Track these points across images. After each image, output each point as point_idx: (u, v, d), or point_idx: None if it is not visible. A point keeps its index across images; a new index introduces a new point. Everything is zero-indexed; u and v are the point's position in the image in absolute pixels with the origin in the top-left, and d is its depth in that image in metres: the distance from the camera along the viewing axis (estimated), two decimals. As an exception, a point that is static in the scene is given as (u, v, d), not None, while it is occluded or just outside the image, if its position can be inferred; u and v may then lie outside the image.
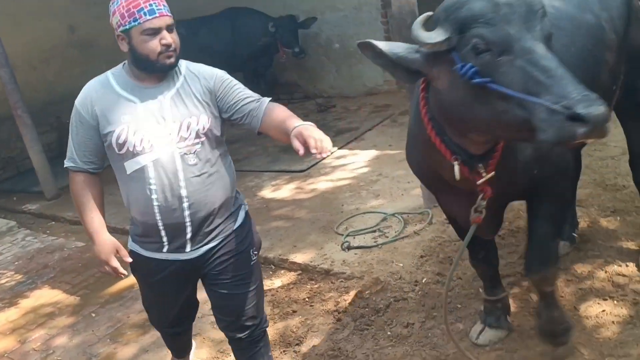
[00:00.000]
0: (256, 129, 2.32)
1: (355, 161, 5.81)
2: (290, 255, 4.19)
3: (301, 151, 2.02)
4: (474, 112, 1.78)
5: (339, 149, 6.21)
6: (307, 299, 3.67)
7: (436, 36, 1.76)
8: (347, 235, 4.24)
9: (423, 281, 3.54)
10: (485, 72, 1.68)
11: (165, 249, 2.39)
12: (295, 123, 2.14)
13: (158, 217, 2.30)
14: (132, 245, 2.50)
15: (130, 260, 2.45)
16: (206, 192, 2.31)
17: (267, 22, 7.56)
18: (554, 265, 2.50)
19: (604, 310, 2.92)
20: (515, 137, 1.90)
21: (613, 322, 2.84)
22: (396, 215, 4.41)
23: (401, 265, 3.76)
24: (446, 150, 2.02)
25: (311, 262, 4.04)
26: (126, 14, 2.15)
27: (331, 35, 8.15)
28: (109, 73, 2.34)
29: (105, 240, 2.38)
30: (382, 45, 1.88)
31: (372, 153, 5.92)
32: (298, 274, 4.01)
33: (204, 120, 2.29)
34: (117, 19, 2.19)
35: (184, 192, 2.27)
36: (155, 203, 2.28)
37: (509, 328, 2.93)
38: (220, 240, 2.43)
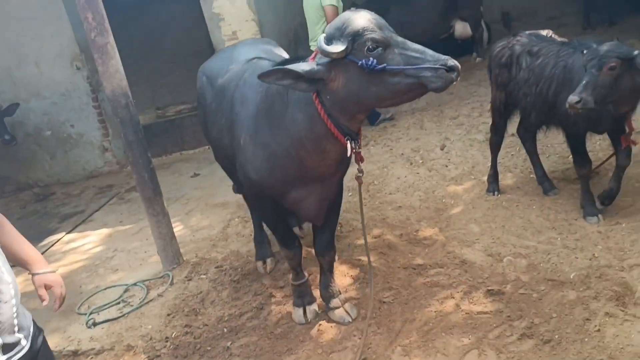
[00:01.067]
0: None
1: (87, 242, 5.77)
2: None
3: (45, 302, 2.31)
4: (368, 93, 2.61)
5: (67, 233, 6.08)
6: (58, 383, 3.60)
7: (338, 47, 2.55)
8: (91, 313, 4.26)
9: (173, 335, 3.79)
10: (379, 62, 2.52)
11: None
12: (35, 268, 2.29)
13: None
14: None
15: None
16: None
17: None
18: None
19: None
20: (403, 100, 2.73)
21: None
22: (137, 284, 4.58)
23: (150, 327, 3.96)
24: (339, 134, 2.77)
25: (56, 347, 3.94)
26: None
27: (40, 123, 7.92)
28: None
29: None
30: (290, 67, 2.62)
31: (104, 232, 5.96)
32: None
33: None
34: None
35: None
36: None
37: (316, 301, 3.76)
38: None
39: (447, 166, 5.60)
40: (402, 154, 6.11)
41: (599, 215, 4.02)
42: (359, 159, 2.94)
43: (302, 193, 3.23)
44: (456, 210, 4.71)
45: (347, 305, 3.67)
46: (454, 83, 2.54)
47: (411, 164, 5.83)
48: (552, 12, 10.50)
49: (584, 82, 3.41)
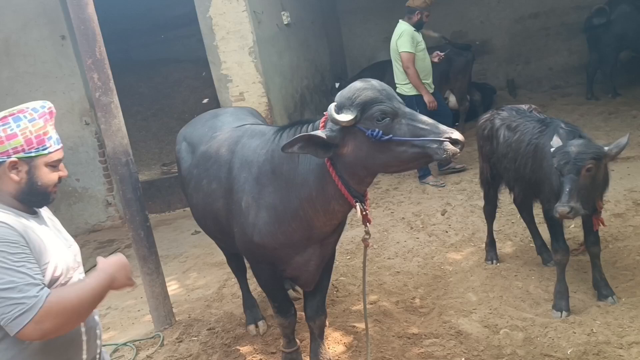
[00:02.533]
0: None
1: (81, 298, 5.70)
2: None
3: None
4: (375, 160, 2.70)
5: (63, 288, 6.02)
6: None
7: (348, 116, 2.64)
8: (78, 373, 4.16)
9: (158, 400, 3.69)
10: (386, 132, 2.62)
11: None
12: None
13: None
14: None
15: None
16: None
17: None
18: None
19: None
20: (409, 167, 2.94)
21: None
22: (127, 344, 4.49)
23: (136, 390, 3.86)
24: (349, 196, 2.81)
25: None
26: (34, 140, 2.02)
27: (47, 176, 8.01)
28: None
29: (109, 261, 2.10)
30: (313, 134, 2.70)
31: (100, 288, 5.89)
32: None
33: None
34: (18, 142, 1.99)
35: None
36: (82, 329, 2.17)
37: None
38: None
39: (447, 232, 5.55)
40: (403, 217, 6.08)
41: (564, 312, 3.77)
42: (367, 221, 2.94)
43: (303, 257, 3.24)
44: (454, 277, 4.63)
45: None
46: (457, 155, 2.62)
47: (411, 228, 5.79)
48: (556, 82, 10.65)
49: (567, 189, 3.32)
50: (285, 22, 8.16)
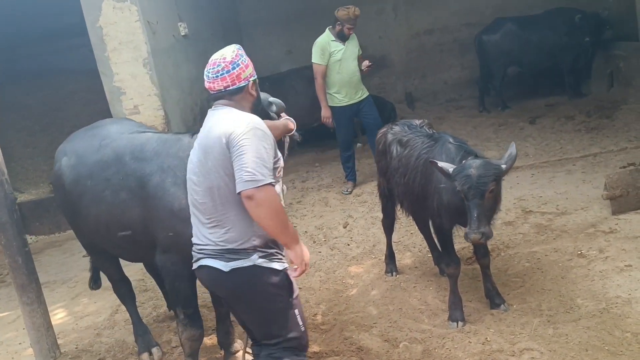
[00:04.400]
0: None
1: (-46, 333, 5.16)
2: None
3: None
4: None
5: None
6: None
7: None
8: (-56, 420, 3.72)
9: None
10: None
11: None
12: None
13: None
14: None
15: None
16: None
17: None
18: None
19: None
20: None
21: None
22: (5, 382, 4.09)
23: None
24: None
25: None
26: (252, 68, 2.87)
27: None
28: None
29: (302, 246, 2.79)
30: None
31: (-23, 320, 5.37)
32: None
33: None
34: (251, 69, 2.86)
35: None
36: None
37: None
38: None
39: (349, 245, 5.55)
40: (306, 231, 6.02)
41: (459, 322, 3.82)
42: None
43: None
44: (355, 291, 4.61)
45: (247, 349, 3.62)
46: None
47: (314, 242, 5.74)
48: (451, 95, 11.07)
49: (474, 215, 3.37)
50: (183, 34, 7.90)
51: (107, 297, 5.31)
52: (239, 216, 2.66)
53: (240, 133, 2.60)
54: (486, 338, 3.62)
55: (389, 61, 11.22)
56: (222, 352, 3.94)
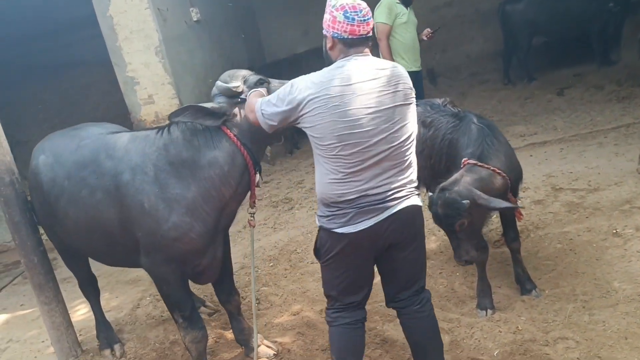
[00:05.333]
0: None
1: (-21, 332, 5.17)
2: None
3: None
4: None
5: (-43, 322, 5.45)
6: None
7: (235, 83, 3.05)
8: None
9: None
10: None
11: None
12: None
13: None
14: None
15: None
16: None
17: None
18: None
19: None
20: None
21: None
22: (28, 382, 4.06)
23: None
24: (251, 164, 3.11)
25: None
26: None
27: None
28: None
29: None
30: (201, 105, 3.01)
31: (2, 317, 5.37)
32: None
33: None
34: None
35: None
36: None
37: None
38: None
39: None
40: (327, 218, 5.86)
41: (489, 310, 3.65)
42: (254, 200, 3.34)
43: (214, 246, 3.34)
44: (378, 279, 4.44)
45: (265, 342, 3.77)
46: None
47: (335, 229, 5.57)
48: (474, 69, 10.72)
49: (454, 245, 3.36)
50: (195, 19, 7.76)
51: (129, 292, 5.27)
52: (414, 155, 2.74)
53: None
54: (517, 327, 3.44)
55: (408, 36, 10.90)
56: (242, 348, 3.84)
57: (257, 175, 3.19)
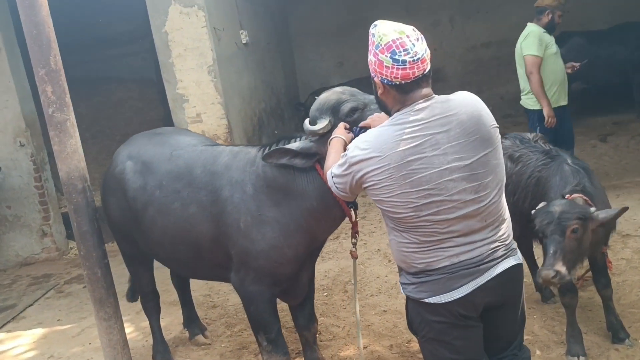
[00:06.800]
0: None
1: (17, 345, 4.94)
2: None
3: None
4: None
5: (-7, 333, 5.23)
6: None
7: (323, 122, 2.81)
8: None
9: None
10: (359, 122, 2.74)
11: None
12: None
13: None
14: None
15: None
16: None
17: None
18: None
19: None
20: None
21: None
22: (79, 402, 3.84)
23: None
24: (344, 203, 2.88)
25: None
26: None
27: (-28, 202, 7.14)
28: None
29: None
30: (290, 147, 2.91)
31: (39, 332, 5.15)
32: None
33: None
34: None
35: None
36: None
37: None
38: None
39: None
40: (379, 249, 5.71)
41: (581, 357, 3.44)
42: (355, 231, 3.08)
43: (301, 269, 3.29)
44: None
45: None
46: None
47: (389, 261, 5.41)
48: (508, 110, 10.63)
49: (551, 251, 2.99)
50: (244, 42, 7.73)
51: (175, 313, 5.08)
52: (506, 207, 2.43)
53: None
54: (615, 376, 3.26)
55: (443, 74, 10.92)
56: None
57: (352, 211, 2.98)
